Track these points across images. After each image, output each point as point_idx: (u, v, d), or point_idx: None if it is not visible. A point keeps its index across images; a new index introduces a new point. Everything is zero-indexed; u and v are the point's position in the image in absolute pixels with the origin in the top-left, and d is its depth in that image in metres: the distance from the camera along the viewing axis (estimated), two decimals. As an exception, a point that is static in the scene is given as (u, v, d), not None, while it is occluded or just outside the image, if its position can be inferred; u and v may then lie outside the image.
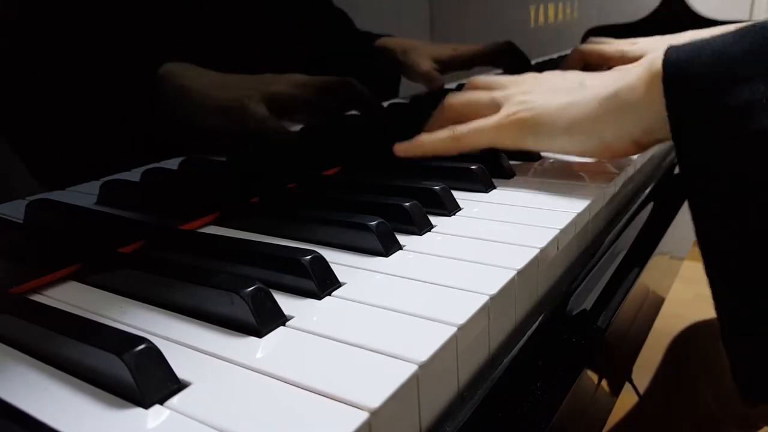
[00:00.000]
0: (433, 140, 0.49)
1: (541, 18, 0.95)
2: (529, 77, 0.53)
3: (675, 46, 0.37)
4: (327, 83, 0.56)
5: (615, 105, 0.42)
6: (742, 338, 0.33)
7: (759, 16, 1.82)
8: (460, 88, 0.84)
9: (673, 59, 0.36)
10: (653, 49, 0.69)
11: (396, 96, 0.70)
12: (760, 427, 0.86)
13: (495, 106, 0.49)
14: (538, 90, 0.48)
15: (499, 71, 0.87)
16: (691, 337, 0.93)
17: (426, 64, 0.71)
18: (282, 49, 0.53)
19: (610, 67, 0.73)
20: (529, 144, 0.46)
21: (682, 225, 0.56)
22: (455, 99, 0.52)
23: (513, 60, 0.86)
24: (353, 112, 0.63)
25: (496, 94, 0.50)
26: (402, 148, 0.50)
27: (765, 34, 0.34)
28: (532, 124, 0.45)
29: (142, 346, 0.24)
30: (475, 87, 0.54)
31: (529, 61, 0.90)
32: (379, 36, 0.63)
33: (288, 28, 0.53)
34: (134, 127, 0.43)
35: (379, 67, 0.65)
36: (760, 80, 0.32)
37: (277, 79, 0.51)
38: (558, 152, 0.48)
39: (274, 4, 0.51)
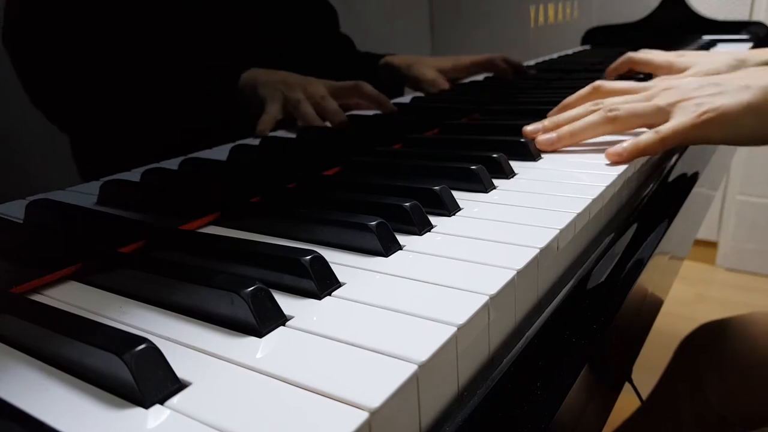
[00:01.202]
0: (646, 143, 0.52)
1: (541, 18, 0.95)
2: (663, 86, 0.58)
3: None
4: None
5: None
6: None
7: (759, 17, 1.82)
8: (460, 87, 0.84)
9: None
10: (697, 62, 0.79)
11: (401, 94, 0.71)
12: (765, 428, 0.86)
13: (663, 114, 0.55)
14: (702, 94, 0.54)
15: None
16: (697, 338, 0.93)
17: (431, 73, 0.76)
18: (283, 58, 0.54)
19: (651, 76, 0.81)
20: (718, 138, 0.53)
21: (682, 225, 0.56)
22: (622, 111, 0.56)
23: (506, 69, 0.90)
24: (351, 113, 0.63)
25: (660, 103, 0.55)
26: (617, 155, 0.52)
27: None
28: (722, 121, 0.52)
29: (142, 346, 0.24)
30: (608, 92, 0.61)
31: (522, 67, 0.93)
32: (382, 56, 0.66)
33: (293, 42, 0.55)
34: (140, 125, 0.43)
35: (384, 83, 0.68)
36: None
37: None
38: (739, 144, 0.55)
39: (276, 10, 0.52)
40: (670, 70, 0.81)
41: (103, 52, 0.40)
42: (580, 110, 0.59)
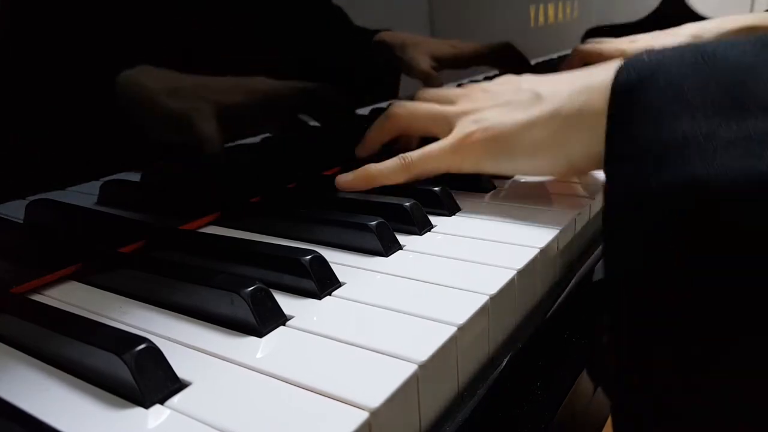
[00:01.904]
0: (382, 170, 0.44)
1: (541, 18, 0.95)
2: (478, 89, 0.48)
3: (632, 60, 0.33)
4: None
5: (578, 122, 0.38)
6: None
7: (759, 16, 1.82)
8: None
9: (622, 81, 0.32)
10: (654, 45, 0.70)
11: (396, 96, 0.70)
12: None
13: (447, 123, 0.45)
14: (489, 105, 0.44)
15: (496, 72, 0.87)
16: None
17: (424, 63, 0.70)
18: (279, 46, 0.53)
19: None
20: (488, 168, 0.42)
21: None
22: (402, 109, 0.48)
23: (512, 61, 0.86)
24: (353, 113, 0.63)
25: (448, 110, 0.46)
26: (346, 181, 0.44)
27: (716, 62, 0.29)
28: (488, 146, 0.41)
29: (142, 346, 0.24)
30: (424, 99, 0.50)
31: (528, 62, 0.90)
32: (377, 31, 0.62)
33: (285, 25, 0.53)
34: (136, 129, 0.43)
35: (377, 63, 0.65)
36: (701, 114, 0.27)
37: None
38: (520, 174, 0.45)
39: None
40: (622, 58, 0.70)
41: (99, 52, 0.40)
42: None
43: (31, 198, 0.39)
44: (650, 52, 0.32)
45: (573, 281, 0.39)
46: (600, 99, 0.35)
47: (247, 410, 0.22)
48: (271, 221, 0.41)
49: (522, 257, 0.33)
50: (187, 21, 0.45)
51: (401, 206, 0.39)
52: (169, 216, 0.42)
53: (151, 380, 0.23)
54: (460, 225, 0.39)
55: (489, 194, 0.45)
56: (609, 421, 0.36)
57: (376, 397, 0.22)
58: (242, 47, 0.49)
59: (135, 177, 0.46)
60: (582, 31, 1.23)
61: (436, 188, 0.42)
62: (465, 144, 0.42)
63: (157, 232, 0.39)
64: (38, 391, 0.25)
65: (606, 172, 0.30)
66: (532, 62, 0.99)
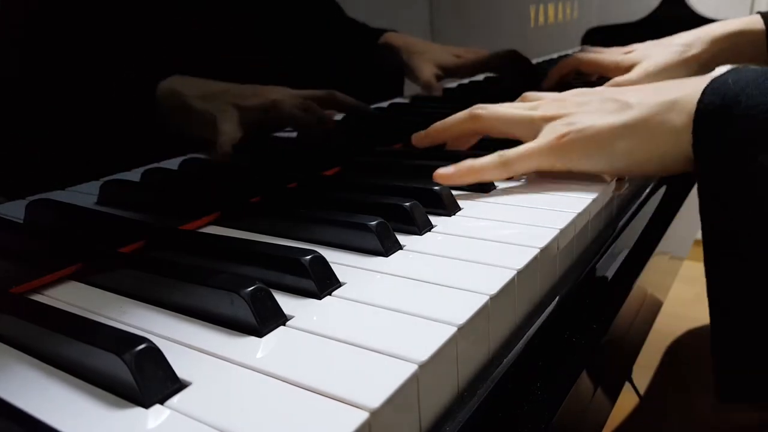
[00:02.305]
0: (483, 165, 0.46)
1: (541, 18, 0.95)
2: (554, 98, 0.51)
3: (717, 82, 0.37)
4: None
5: (661, 133, 0.41)
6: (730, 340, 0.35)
7: (759, 16, 1.82)
8: (460, 87, 0.84)
9: (705, 110, 0.37)
10: (648, 55, 0.70)
11: (401, 95, 0.70)
12: None
13: (532, 127, 0.47)
14: (578, 111, 0.46)
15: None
16: (686, 343, 0.93)
17: (427, 72, 0.70)
18: (286, 46, 0.53)
19: (603, 77, 0.73)
20: (581, 167, 0.45)
21: (682, 225, 0.56)
22: (485, 111, 0.50)
23: (517, 67, 0.86)
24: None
25: (534, 115, 0.48)
26: (446, 173, 0.46)
27: None
28: (583, 147, 0.44)
29: (142, 346, 0.24)
30: (502, 119, 0.51)
31: (533, 67, 0.89)
32: (381, 30, 0.62)
33: (290, 26, 0.53)
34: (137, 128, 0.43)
35: (382, 63, 0.65)
36: None
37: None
38: (611, 174, 0.46)
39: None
40: (618, 70, 0.71)
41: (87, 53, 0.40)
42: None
43: (31, 198, 0.39)
44: (735, 74, 0.37)
45: (573, 281, 0.39)
46: (682, 116, 0.40)
47: (247, 410, 0.22)
48: (271, 221, 0.41)
49: (522, 257, 0.33)
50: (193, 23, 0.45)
51: (401, 206, 0.39)
52: (169, 216, 0.42)
53: (151, 380, 0.23)
54: (460, 225, 0.39)
55: (489, 194, 0.45)
56: (609, 421, 0.36)
57: (376, 397, 0.22)
58: (250, 48, 0.50)
59: (135, 177, 0.46)
60: (582, 31, 1.23)
61: (436, 188, 0.42)
62: (560, 144, 0.44)
63: (157, 232, 0.39)
64: (38, 391, 0.25)
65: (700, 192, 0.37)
66: (533, 62, 0.99)
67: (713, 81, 0.38)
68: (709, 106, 0.37)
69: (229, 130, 0.49)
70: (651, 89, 0.45)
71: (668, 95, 0.42)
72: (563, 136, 0.44)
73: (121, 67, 0.42)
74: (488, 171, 0.45)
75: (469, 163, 0.46)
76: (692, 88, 0.40)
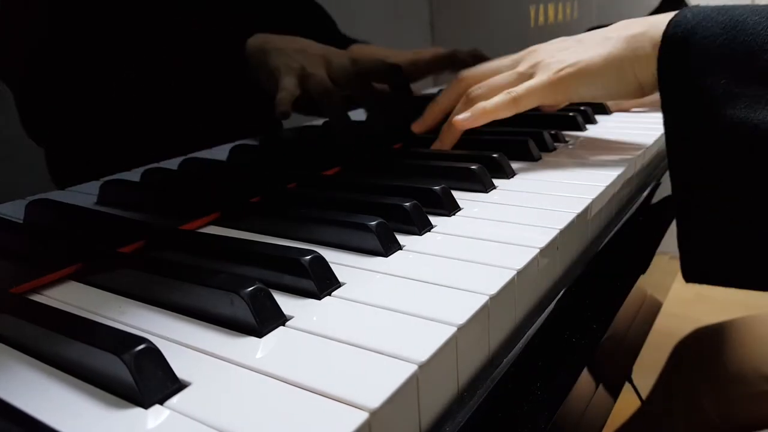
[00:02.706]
0: (495, 106, 0.51)
1: (541, 18, 0.95)
2: (530, 51, 0.56)
3: (676, 19, 0.44)
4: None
5: (643, 56, 0.48)
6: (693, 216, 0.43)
7: (759, 16, 1.81)
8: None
9: (667, 40, 0.44)
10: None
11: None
12: None
13: (526, 78, 0.53)
14: (564, 51, 0.53)
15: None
16: (692, 343, 0.93)
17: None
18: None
19: None
20: (581, 94, 0.51)
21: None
22: (481, 90, 0.54)
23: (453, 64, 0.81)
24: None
25: (521, 69, 0.54)
26: (464, 118, 0.52)
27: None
28: (581, 75, 0.50)
29: (142, 346, 0.24)
30: (474, 76, 0.57)
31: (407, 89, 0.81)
32: (352, 41, 0.60)
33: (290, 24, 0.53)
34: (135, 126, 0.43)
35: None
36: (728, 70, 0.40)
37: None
38: (606, 98, 0.53)
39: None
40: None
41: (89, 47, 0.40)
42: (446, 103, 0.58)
43: (31, 198, 0.39)
44: (693, 9, 0.44)
45: (573, 281, 0.39)
46: (651, 45, 0.47)
47: (247, 410, 0.22)
48: (271, 221, 0.41)
49: (522, 257, 0.33)
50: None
51: (401, 206, 0.39)
52: (169, 216, 0.42)
53: (150, 380, 0.23)
54: (460, 225, 0.39)
55: (489, 194, 0.46)
56: (609, 422, 0.36)
57: (376, 398, 0.22)
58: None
59: (135, 177, 0.46)
60: (582, 31, 1.23)
61: (436, 188, 0.42)
62: (558, 78, 0.51)
63: (157, 232, 0.39)
64: (38, 391, 0.25)
65: (663, 107, 0.44)
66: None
67: (676, 15, 0.44)
68: (671, 37, 0.44)
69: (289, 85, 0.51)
70: (622, 25, 0.51)
71: (639, 28, 0.49)
72: (559, 71, 0.51)
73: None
74: (500, 110, 0.51)
75: (482, 105, 0.51)
76: (658, 21, 0.47)
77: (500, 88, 0.53)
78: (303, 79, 0.51)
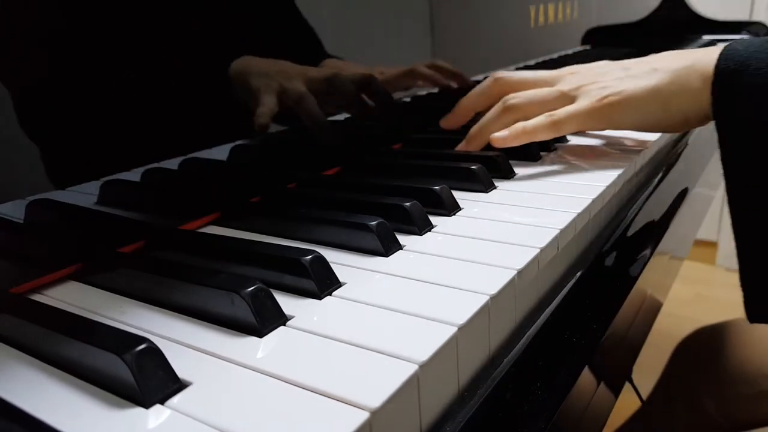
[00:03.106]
0: (535, 127, 0.51)
1: (541, 18, 0.95)
2: (571, 71, 0.56)
3: (729, 49, 0.44)
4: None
5: (691, 90, 0.47)
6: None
7: (759, 16, 1.82)
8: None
9: (721, 73, 0.44)
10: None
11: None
12: None
13: (567, 99, 0.52)
14: (609, 79, 0.52)
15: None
16: (693, 342, 0.93)
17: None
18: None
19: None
20: (622, 124, 0.51)
21: (682, 225, 0.56)
22: (519, 99, 0.53)
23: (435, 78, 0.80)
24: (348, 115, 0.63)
25: (563, 88, 0.53)
26: (502, 137, 0.51)
27: None
28: (625, 105, 0.50)
29: (142, 346, 0.24)
30: (519, 82, 0.56)
31: (389, 98, 0.77)
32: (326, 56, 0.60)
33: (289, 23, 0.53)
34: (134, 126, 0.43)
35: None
36: None
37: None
38: (646, 130, 0.52)
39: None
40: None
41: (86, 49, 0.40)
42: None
43: (31, 198, 0.39)
44: (743, 42, 0.45)
45: (573, 281, 0.39)
46: (700, 78, 0.47)
47: (248, 410, 0.22)
48: (271, 221, 0.41)
49: (522, 257, 0.33)
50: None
51: (401, 206, 0.39)
52: (169, 216, 0.42)
53: (151, 380, 0.23)
54: (460, 225, 0.39)
55: (489, 194, 0.46)
56: (609, 421, 0.36)
57: (377, 397, 0.22)
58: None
59: (135, 177, 0.46)
60: (582, 31, 1.23)
61: (436, 188, 0.42)
62: (601, 106, 0.50)
63: (157, 232, 0.39)
64: (38, 391, 0.25)
65: (720, 142, 0.44)
66: (532, 62, 0.99)
67: (725, 48, 0.45)
68: (725, 70, 0.44)
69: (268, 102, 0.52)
70: (669, 56, 0.51)
71: (687, 61, 0.48)
72: (603, 98, 0.50)
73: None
74: (540, 132, 0.51)
75: (521, 125, 0.51)
76: (706, 54, 0.47)
77: (540, 103, 0.52)
78: (281, 94, 0.52)
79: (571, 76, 0.55)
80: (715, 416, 0.83)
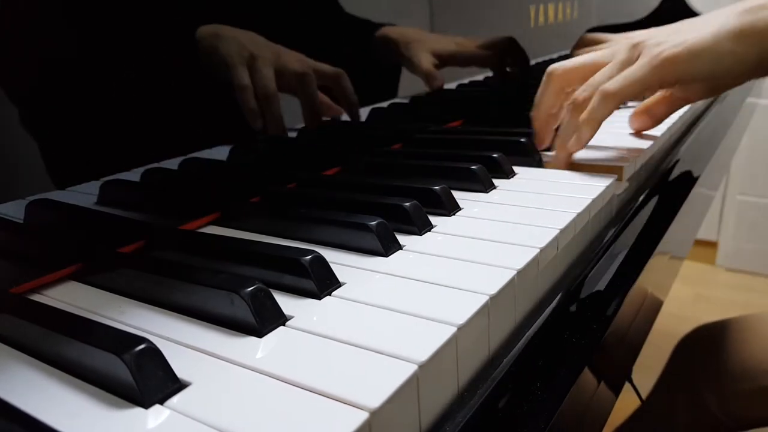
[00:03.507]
0: (591, 111, 0.49)
1: (541, 18, 0.95)
2: (639, 33, 0.56)
3: None
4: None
5: (742, 37, 0.46)
6: None
7: (759, 16, 1.82)
8: (460, 86, 0.84)
9: None
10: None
11: (395, 96, 0.70)
12: None
13: (630, 63, 0.50)
14: (667, 32, 0.50)
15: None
16: (694, 340, 0.93)
17: (426, 61, 0.70)
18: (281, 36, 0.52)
19: None
20: (693, 72, 0.48)
21: (682, 225, 0.56)
22: (581, 95, 0.52)
23: (515, 56, 0.85)
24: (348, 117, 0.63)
25: (622, 56, 0.51)
26: (577, 145, 0.51)
27: None
28: (690, 52, 0.47)
29: (142, 346, 0.24)
30: (576, 69, 0.55)
31: (528, 60, 0.89)
32: (380, 25, 0.62)
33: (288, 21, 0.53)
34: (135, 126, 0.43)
35: (379, 60, 0.64)
36: None
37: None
38: (720, 76, 0.49)
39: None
40: None
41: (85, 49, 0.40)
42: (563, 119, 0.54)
43: (31, 198, 0.39)
44: None
45: (573, 281, 0.39)
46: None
47: (247, 410, 0.22)
48: (271, 221, 0.41)
49: (522, 257, 0.33)
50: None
51: (401, 206, 0.39)
52: (169, 216, 0.42)
53: (150, 380, 0.23)
54: (460, 225, 0.39)
55: (489, 194, 0.46)
56: (609, 421, 0.36)
57: (377, 397, 0.22)
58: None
59: (135, 177, 0.46)
60: (582, 31, 1.23)
61: (436, 188, 0.42)
62: (660, 59, 0.48)
63: (157, 232, 0.39)
64: (37, 391, 0.25)
65: None
66: (532, 62, 0.99)
67: None
68: None
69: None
70: (731, 6, 0.49)
71: (755, 2, 0.47)
72: (660, 53, 0.48)
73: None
74: (598, 114, 0.49)
75: (584, 115, 0.50)
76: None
77: (631, 81, 0.50)
78: (252, 72, 0.49)
79: (627, 41, 0.52)
80: (716, 413, 0.83)
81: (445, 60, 0.73)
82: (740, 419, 0.82)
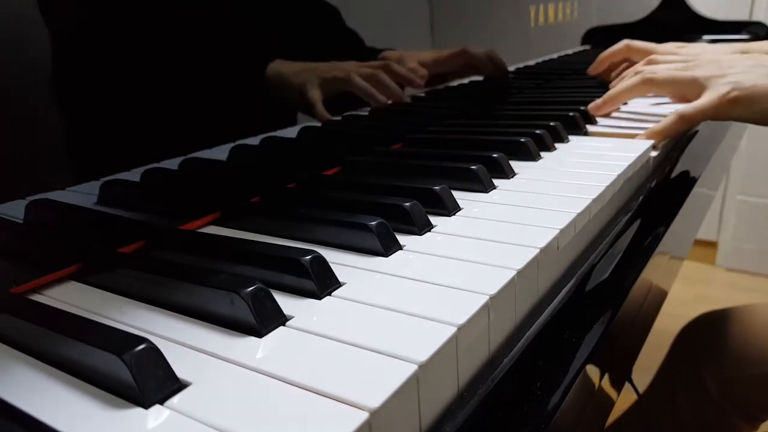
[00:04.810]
0: (666, 127, 0.58)
1: (541, 18, 0.95)
2: (713, 56, 0.64)
3: None
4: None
5: None
6: None
7: (759, 17, 1.82)
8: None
9: None
10: (701, 54, 0.79)
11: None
12: (764, 419, 0.86)
13: (699, 87, 0.60)
14: (738, 71, 0.58)
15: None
16: (696, 327, 0.93)
17: (412, 62, 0.73)
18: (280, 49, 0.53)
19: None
20: (744, 116, 0.57)
21: (682, 225, 0.56)
22: (661, 75, 0.62)
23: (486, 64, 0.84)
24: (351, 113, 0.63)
25: (698, 75, 0.60)
26: (651, 131, 0.58)
27: None
28: (748, 101, 0.56)
29: (142, 346, 0.24)
30: (652, 50, 0.69)
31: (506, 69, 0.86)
32: (381, 50, 0.65)
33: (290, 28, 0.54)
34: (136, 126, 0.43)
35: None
36: None
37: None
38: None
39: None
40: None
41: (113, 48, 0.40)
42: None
43: (31, 198, 0.39)
44: None
45: (573, 281, 0.39)
46: None
47: (247, 410, 0.22)
48: (271, 221, 0.41)
49: (522, 257, 0.33)
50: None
51: (401, 206, 0.39)
52: (169, 216, 0.42)
53: (150, 380, 0.23)
54: (460, 225, 0.39)
55: (489, 194, 0.45)
56: (609, 421, 0.36)
57: (377, 397, 0.22)
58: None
59: (135, 177, 0.46)
60: (582, 31, 1.23)
61: (436, 188, 0.42)
62: (726, 100, 0.57)
63: (157, 232, 0.39)
64: (38, 391, 0.25)
65: None
66: (532, 62, 0.99)
67: None
68: None
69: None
70: None
71: None
72: (727, 94, 0.56)
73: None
74: (671, 129, 0.58)
75: (659, 127, 0.58)
76: None
77: (676, 85, 0.61)
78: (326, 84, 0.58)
79: (706, 65, 0.61)
80: (718, 399, 0.83)
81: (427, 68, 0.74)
82: (741, 406, 0.82)
